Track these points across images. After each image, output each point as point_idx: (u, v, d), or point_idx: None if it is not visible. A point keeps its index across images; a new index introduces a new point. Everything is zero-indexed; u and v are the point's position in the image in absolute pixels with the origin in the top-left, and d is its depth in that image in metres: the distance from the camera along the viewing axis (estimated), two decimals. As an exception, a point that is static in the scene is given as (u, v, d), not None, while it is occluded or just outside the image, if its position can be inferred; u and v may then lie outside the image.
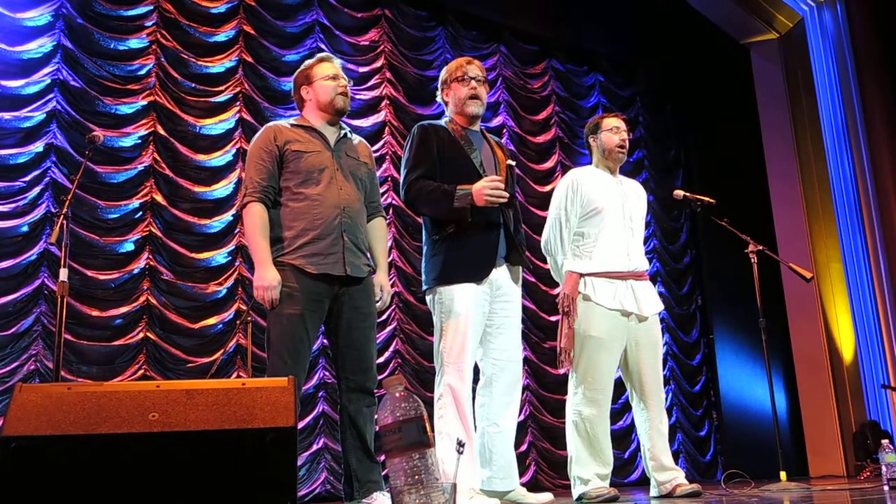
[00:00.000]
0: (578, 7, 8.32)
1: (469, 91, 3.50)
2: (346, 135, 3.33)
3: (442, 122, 3.55)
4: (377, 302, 3.27)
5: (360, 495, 2.99)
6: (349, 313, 3.12)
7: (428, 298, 3.43)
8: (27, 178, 5.43)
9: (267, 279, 2.99)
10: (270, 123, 3.30)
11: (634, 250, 3.94)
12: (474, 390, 3.41)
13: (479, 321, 3.33)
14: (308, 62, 3.37)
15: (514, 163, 3.66)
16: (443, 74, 3.61)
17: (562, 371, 4.00)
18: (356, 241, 3.17)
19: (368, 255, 3.28)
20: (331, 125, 3.30)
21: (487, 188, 3.24)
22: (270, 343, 3.03)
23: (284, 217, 3.12)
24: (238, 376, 5.82)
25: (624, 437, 7.71)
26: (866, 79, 8.23)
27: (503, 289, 3.41)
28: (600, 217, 3.88)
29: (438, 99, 3.67)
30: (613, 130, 4.03)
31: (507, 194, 3.28)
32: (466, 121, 3.54)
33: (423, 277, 3.44)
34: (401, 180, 3.43)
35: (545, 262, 4.09)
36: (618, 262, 3.87)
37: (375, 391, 3.11)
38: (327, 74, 3.29)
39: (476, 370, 3.41)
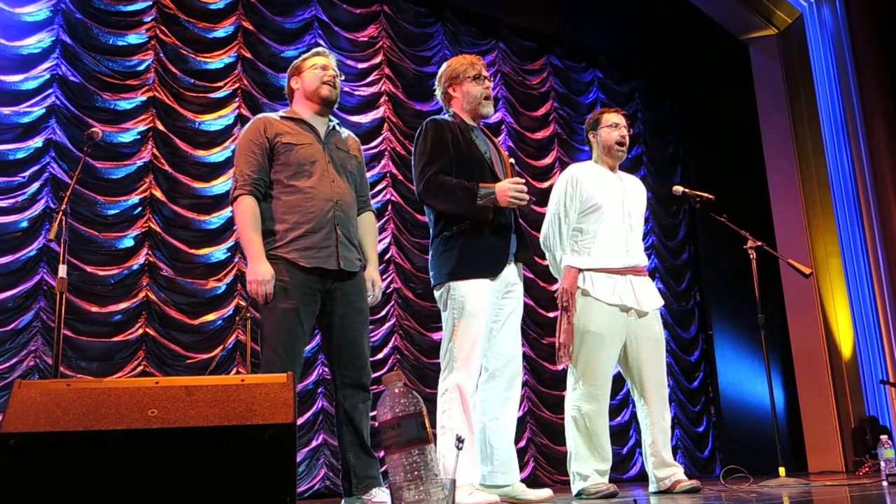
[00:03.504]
0: (577, 3, 8.31)
1: (485, 91, 3.50)
2: (334, 128, 3.31)
3: (446, 117, 3.53)
4: (369, 297, 3.25)
5: (359, 491, 2.99)
6: (343, 309, 3.10)
7: (437, 294, 3.39)
8: (26, 174, 5.42)
9: (260, 273, 2.96)
10: (260, 115, 3.28)
11: (634, 246, 3.94)
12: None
13: (489, 319, 3.33)
14: (303, 55, 3.38)
15: (512, 160, 3.67)
16: (449, 71, 3.55)
17: (560, 367, 4.00)
18: (349, 234, 3.14)
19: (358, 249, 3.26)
20: (320, 116, 3.27)
21: (512, 190, 3.24)
22: (264, 338, 3.00)
23: (276, 210, 3.09)
24: (237, 372, 5.83)
25: (622, 433, 7.73)
26: (865, 74, 8.22)
27: (510, 285, 3.41)
28: (599, 213, 3.88)
29: (438, 94, 3.63)
30: (613, 127, 4.03)
31: (528, 197, 3.28)
32: (473, 118, 3.54)
33: (433, 273, 3.40)
34: (415, 174, 3.39)
35: (543, 257, 4.10)
36: (617, 258, 3.87)
37: (375, 387, 3.11)
38: (316, 64, 3.28)
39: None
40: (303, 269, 3.02)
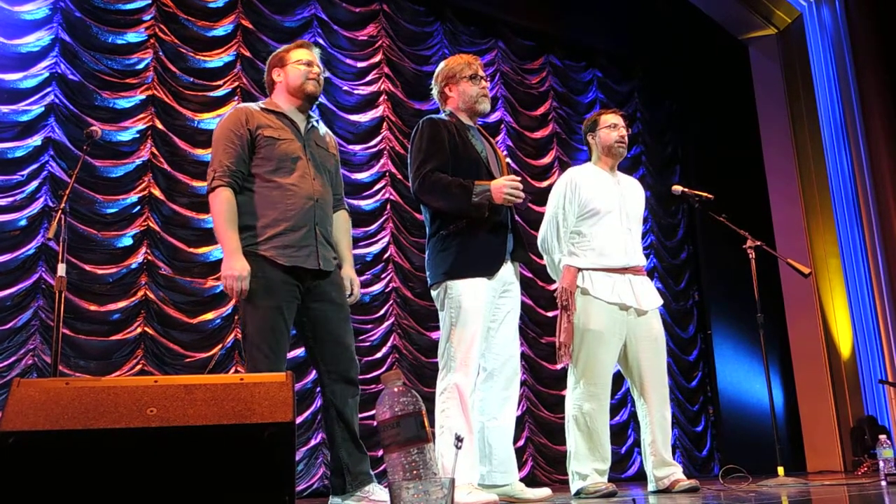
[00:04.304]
0: (576, 2, 8.31)
1: (481, 90, 3.51)
2: (314, 125, 3.27)
3: (442, 116, 3.54)
4: (349, 297, 3.22)
5: (353, 488, 2.96)
6: (325, 306, 3.06)
7: (434, 293, 3.40)
8: (25, 172, 5.41)
9: (237, 269, 2.89)
10: (240, 105, 3.22)
11: (632, 249, 3.94)
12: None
13: (487, 318, 3.32)
14: (286, 46, 3.31)
15: (508, 159, 3.68)
16: (445, 71, 3.57)
17: (560, 366, 4.01)
18: (327, 234, 3.12)
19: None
20: (300, 111, 3.23)
21: (507, 186, 3.24)
22: (248, 337, 2.95)
23: (255, 205, 3.02)
24: (236, 371, 5.83)
25: (621, 433, 7.73)
26: (865, 74, 8.22)
27: (507, 284, 3.41)
28: (598, 217, 3.88)
29: (435, 93, 3.64)
30: (611, 127, 4.04)
31: (523, 195, 3.29)
32: (470, 117, 3.54)
33: (429, 272, 3.40)
34: (411, 172, 3.39)
35: (540, 256, 4.10)
36: (615, 260, 3.87)
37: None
38: (301, 59, 3.21)
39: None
40: (281, 267, 2.97)
